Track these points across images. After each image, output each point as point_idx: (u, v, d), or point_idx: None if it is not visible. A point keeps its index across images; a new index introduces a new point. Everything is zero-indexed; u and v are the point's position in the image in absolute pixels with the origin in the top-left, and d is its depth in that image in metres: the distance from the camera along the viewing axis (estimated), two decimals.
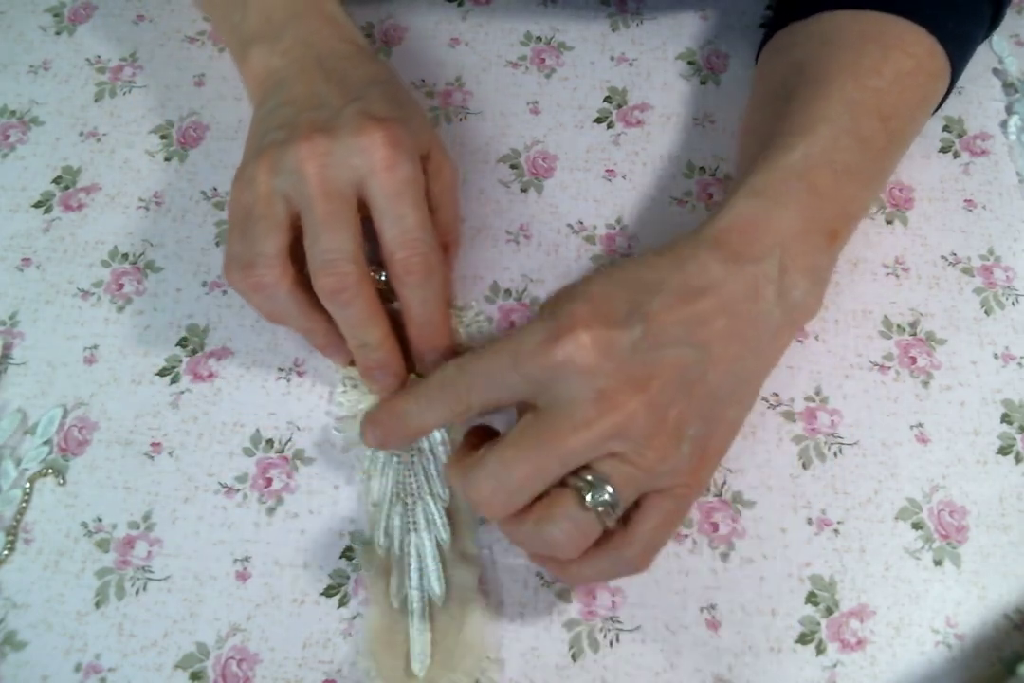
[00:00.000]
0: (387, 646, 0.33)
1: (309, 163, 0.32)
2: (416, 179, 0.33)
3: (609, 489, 0.29)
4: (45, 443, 0.37)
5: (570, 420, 0.29)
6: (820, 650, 0.34)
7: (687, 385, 0.30)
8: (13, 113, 0.46)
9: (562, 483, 0.29)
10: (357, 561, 0.35)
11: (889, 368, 0.39)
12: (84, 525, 0.36)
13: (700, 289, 0.31)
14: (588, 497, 0.29)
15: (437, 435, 0.37)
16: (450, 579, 0.34)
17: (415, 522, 0.35)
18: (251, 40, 0.38)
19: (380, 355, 0.35)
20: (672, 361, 0.30)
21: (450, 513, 0.35)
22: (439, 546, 0.35)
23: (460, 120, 0.46)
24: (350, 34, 0.39)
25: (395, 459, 0.36)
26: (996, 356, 0.39)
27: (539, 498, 0.30)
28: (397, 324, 0.35)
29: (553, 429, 0.29)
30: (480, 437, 0.33)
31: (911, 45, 0.37)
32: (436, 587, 0.34)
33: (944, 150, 0.45)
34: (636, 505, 0.31)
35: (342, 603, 0.34)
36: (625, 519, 0.31)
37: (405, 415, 0.32)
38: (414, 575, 0.34)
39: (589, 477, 0.29)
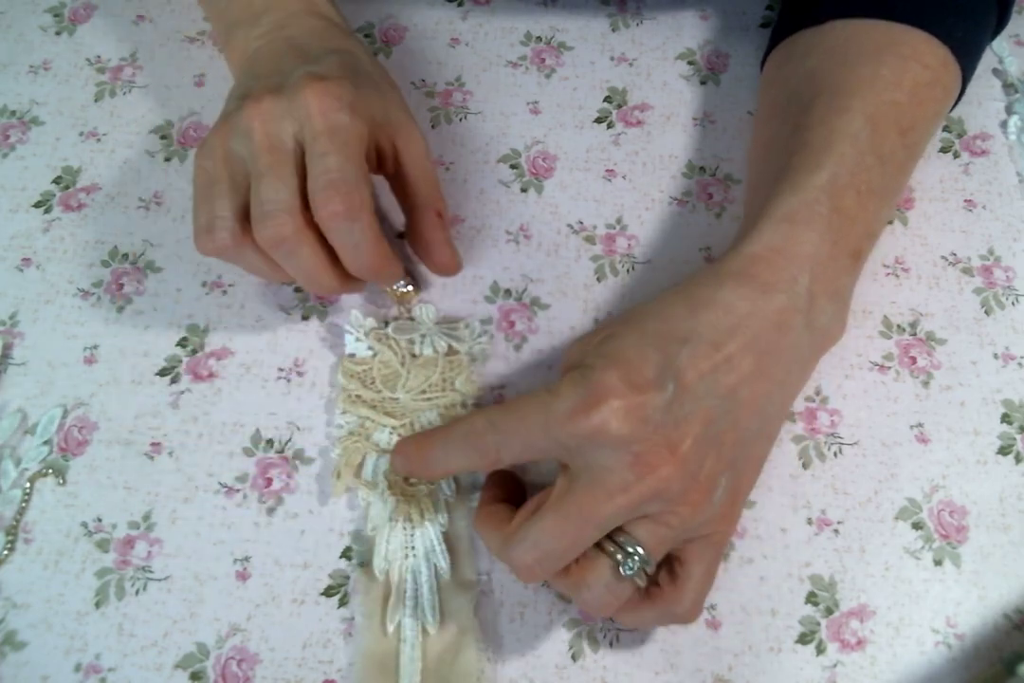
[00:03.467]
0: (378, 674, 0.33)
1: (255, 121, 0.33)
2: (347, 128, 0.32)
3: (642, 552, 0.29)
4: (45, 443, 0.37)
5: (605, 487, 0.29)
6: (820, 650, 0.34)
7: (718, 436, 0.30)
8: (13, 113, 0.46)
9: (596, 545, 0.30)
10: (353, 586, 0.35)
11: (889, 368, 0.39)
12: (84, 525, 0.36)
13: (728, 331, 0.31)
14: (622, 568, 0.29)
15: None
16: (446, 607, 0.34)
17: (413, 547, 0.35)
18: (233, 25, 0.39)
19: (336, 295, 0.39)
20: (703, 416, 0.30)
21: (449, 540, 0.35)
22: (437, 573, 0.34)
23: (460, 120, 0.46)
24: (325, 11, 0.39)
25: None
26: (996, 356, 0.39)
27: (576, 560, 0.30)
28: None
29: (591, 496, 0.29)
30: (500, 486, 0.35)
31: (926, 56, 0.37)
32: (430, 616, 0.33)
33: (944, 150, 0.45)
34: (677, 557, 0.31)
35: (342, 603, 0.34)
36: (668, 567, 0.31)
37: (431, 459, 0.32)
38: (409, 602, 0.34)
39: (622, 540, 0.30)
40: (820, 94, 0.36)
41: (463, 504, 0.36)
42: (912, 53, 0.37)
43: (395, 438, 0.37)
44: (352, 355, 0.38)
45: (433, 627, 0.33)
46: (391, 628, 0.33)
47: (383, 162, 0.37)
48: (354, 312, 0.39)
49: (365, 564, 0.35)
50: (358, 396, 0.38)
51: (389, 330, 0.39)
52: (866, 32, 0.38)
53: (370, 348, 0.39)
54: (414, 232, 0.38)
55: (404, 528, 0.35)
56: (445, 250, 0.38)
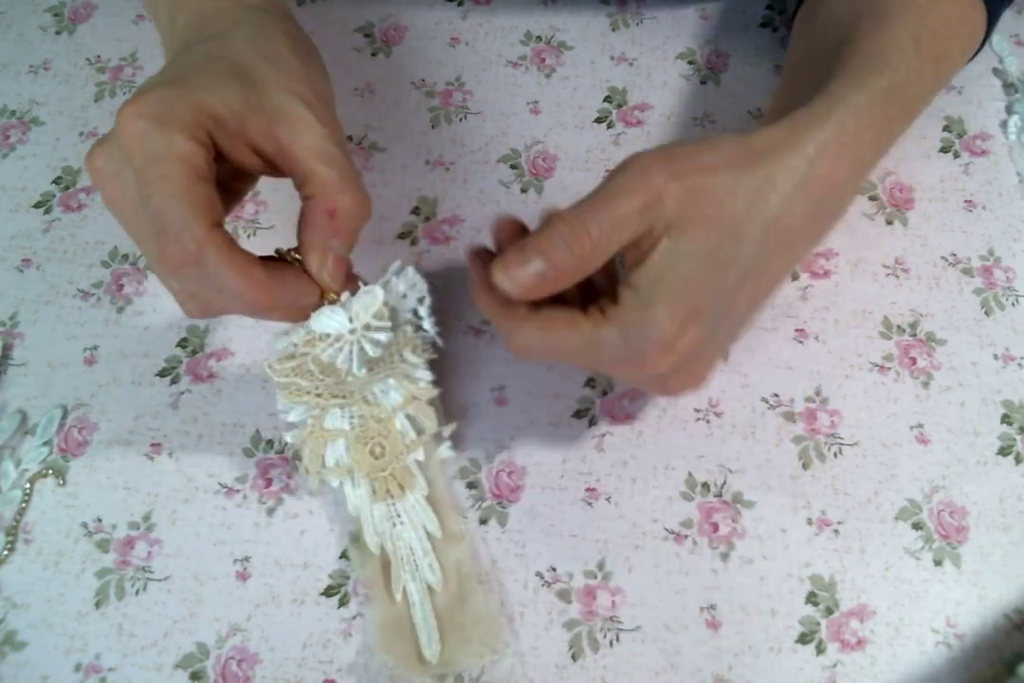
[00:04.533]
0: (397, 637, 0.34)
1: (91, 175, 0.30)
2: (163, 154, 0.28)
3: None
4: (45, 444, 0.37)
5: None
6: (820, 650, 0.34)
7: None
8: (13, 113, 0.46)
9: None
10: (351, 562, 0.35)
11: (889, 369, 0.39)
12: (84, 525, 0.36)
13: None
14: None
15: (408, 431, 0.36)
16: (443, 562, 0.35)
17: (399, 516, 0.35)
18: (166, 28, 0.36)
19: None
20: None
21: (430, 500, 0.36)
22: (428, 536, 0.35)
23: (460, 120, 0.46)
24: None
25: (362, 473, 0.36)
26: (996, 357, 0.39)
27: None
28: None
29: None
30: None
31: None
32: (431, 576, 0.34)
33: (944, 150, 0.45)
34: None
35: (342, 603, 0.34)
36: None
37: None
38: (407, 568, 0.35)
39: None
40: (862, 15, 0.36)
41: (435, 464, 0.36)
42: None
43: (348, 417, 0.36)
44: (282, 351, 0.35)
45: (438, 585, 0.34)
46: (398, 596, 0.34)
47: (268, 158, 0.31)
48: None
49: (357, 540, 0.35)
50: (299, 388, 0.35)
51: (306, 330, 0.34)
52: None
53: (297, 347, 0.35)
54: (298, 233, 0.31)
55: (386, 502, 0.35)
56: (315, 258, 0.31)
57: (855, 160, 0.32)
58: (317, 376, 0.35)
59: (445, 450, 0.37)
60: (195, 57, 0.31)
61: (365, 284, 0.33)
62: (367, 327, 0.33)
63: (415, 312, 0.35)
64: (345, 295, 0.32)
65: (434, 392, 0.36)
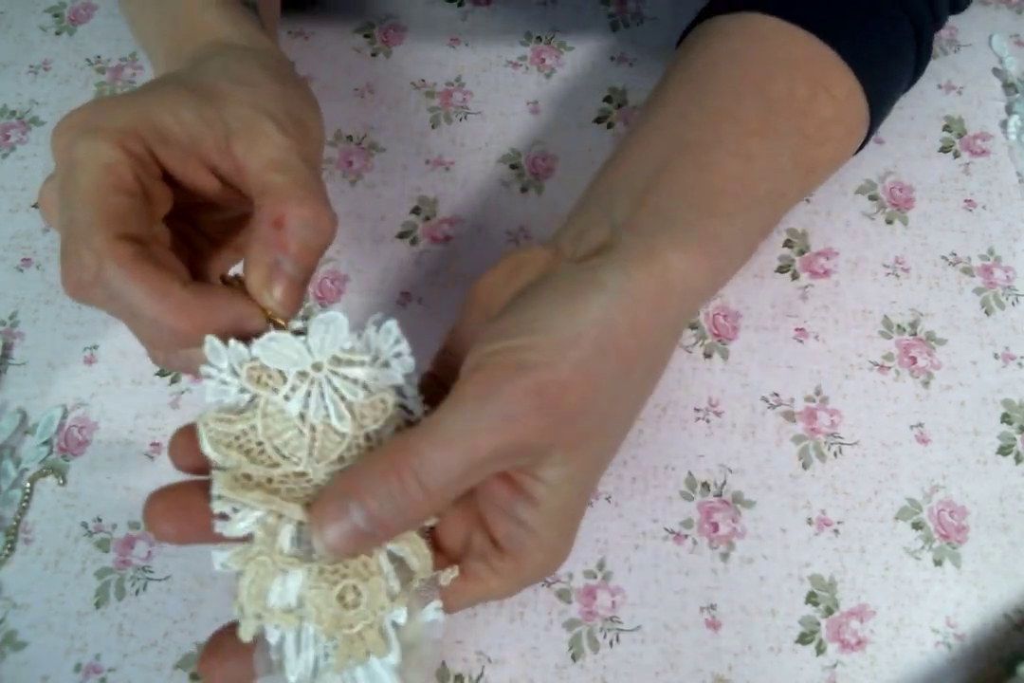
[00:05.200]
0: None
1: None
2: (83, 161, 0.24)
3: None
4: (45, 443, 0.37)
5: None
6: (820, 650, 0.34)
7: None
8: (13, 113, 0.46)
9: None
10: None
11: (889, 368, 0.39)
12: (84, 525, 0.36)
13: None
14: None
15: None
16: None
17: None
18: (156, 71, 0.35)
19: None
20: None
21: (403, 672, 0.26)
22: None
23: (460, 120, 0.46)
24: (219, 38, 0.31)
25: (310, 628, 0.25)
26: (996, 356, 0.39)
27: None
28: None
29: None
30: None
31: (835, 85, 0.34)
32: None
33: (944, 150, 0.45)
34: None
35: None
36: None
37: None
38: None
39: None
40: (716, 88, 0.33)
41: (417, 627, 0.26)
42: (819, 76, 0.34)
43: (306, 541, 0.25)
44: (219, 405, 0.25)
45: None
46: None
47: (226, 179, 0.27)
48: (228, 343, 0.25)
49: None
50: (246, 477, 0.25)
51: (259, 355, 0.25)
52: (787, 35, 0.34)
53: (244, 391, 0.25)
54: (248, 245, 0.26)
55: (343, 675, 0.25)
56: (256, 276, 0.25)
57: (674, 322, 0.29)
58: (270, 455, 0.25)
59: (432, 611, 0.26)
60: (159, 80, 0.28)
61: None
62: (336, 361, 0.25)
63: (399, 390, 0.26)
64: (298, 324, 0.26)
65: (433, 520, 0.27)
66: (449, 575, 0.27)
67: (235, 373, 0.25)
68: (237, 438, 0.25)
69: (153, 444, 0.38)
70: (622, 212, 0.30)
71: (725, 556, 0.35)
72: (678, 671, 0.33)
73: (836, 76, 0.34)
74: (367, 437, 0.26)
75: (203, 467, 0.25)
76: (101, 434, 0.38)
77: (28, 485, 0.37)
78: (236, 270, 0.28)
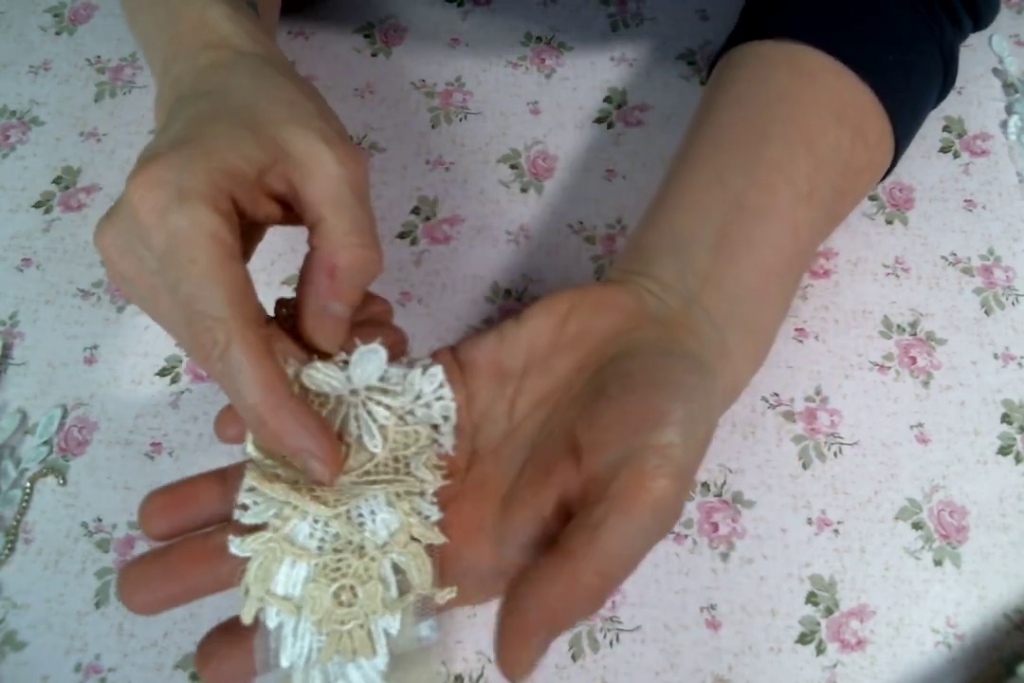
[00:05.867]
0: None
1: (105, 255, 0.28)
2: (186, 230, 0.24)
3: None
4: (45, 443, 0.37)
5: None
6: (820, 650, 0.34)
7: None
8: (13, 113, 0.46)
9: None
10: None
11: (889, 368, 0.39)
12: (84, 525, 0.36)
13: None
14: None
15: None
16: None
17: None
18: (159, 79, 0.33)
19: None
20: None
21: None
22: None
23: (460, 120, 0.46)
24: (219, 33, 0.31)
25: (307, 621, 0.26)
26: (996, 356, 0.39)
27: None
28: None
29: None
30: None
31: (870, 131, 0.35)
32: None
33: (944, 150, 0.45)
34: None
35: None
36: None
37: None
38: None
39: None
40: (772, 138, 0.34)
41: (409, 640, 0.26)
42: (860, 123, 0.35)
43: (320, 536, 0.26)
44: None
45: None
46: None
47: (285, 201, 0.28)
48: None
49: None
50: (275, 476, 0.27)
51: (304, 376, 0.27)
52: (832, 74, 0.35)
53: None
54: (297, 286, 0.28)
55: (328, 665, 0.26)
56: (310, 322, 0.27)
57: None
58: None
59: (426, 628, 0.27)
60: (197, 113, 0.28)
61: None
62: (370, 389, 0.28)
63: (435, 427, 0.28)
64: (341, 355, 0.28)
65: (440, 538, 0.27)
66: (446, 594, 0.27)
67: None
68: None
69: (153, 444, 0.38)
70: (693, 281, 0.31)
71: (725, 556, 0.35)
72: (678, 671, 0.33)
73: (872, 121, 0.35)
74: (395, 459, 0.28)
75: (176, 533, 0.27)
76: (101, 434, 0.38)
77: (28, 485, 0.37)
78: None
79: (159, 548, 0.27)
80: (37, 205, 0.43)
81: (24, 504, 0.36)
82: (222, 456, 0.37)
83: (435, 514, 0.27)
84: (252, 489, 0.26)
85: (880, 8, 0.36)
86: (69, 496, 0.37)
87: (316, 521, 0.26)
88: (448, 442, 0.28)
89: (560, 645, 0.34)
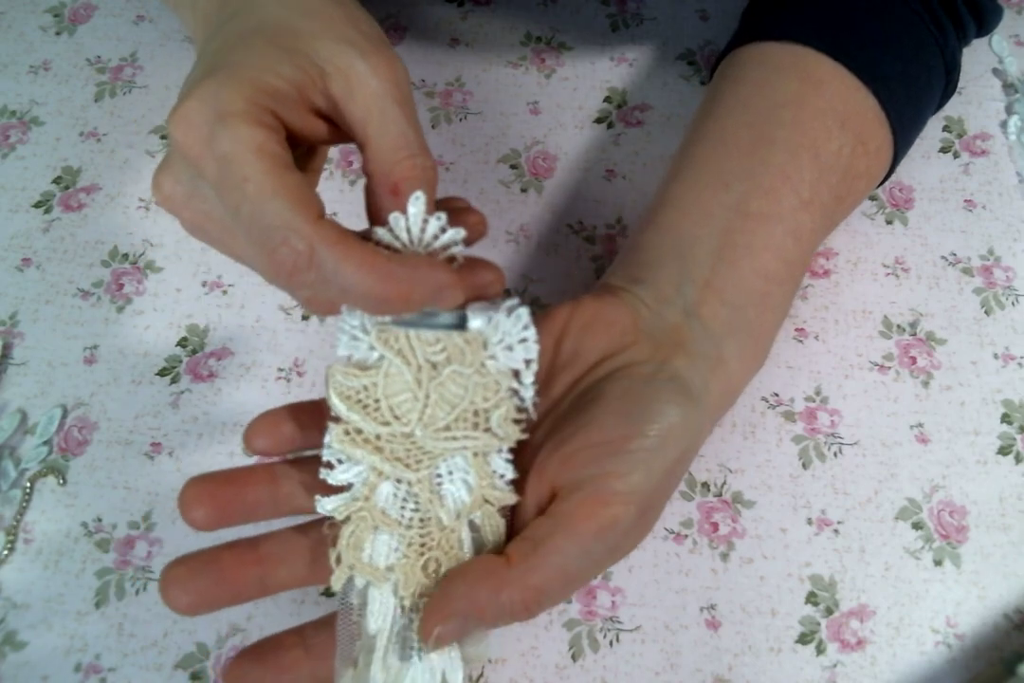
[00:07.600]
0: None
1: (160, 203, 0.29)
2: (237, 155, 0.24)
3: None
4: (45, 443, 0.37)
5: None
6: (820, 650, 0.34)
7: None
8: (13, 113, 0.46)
9: None
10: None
11: (889, 368, 0.39)
12: (84, 525, 0.36)
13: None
14: None
15: None
16: None
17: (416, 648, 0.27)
18: (192, 25, 0.32)
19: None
20: None
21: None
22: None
23: (460, 120, 0.46)
24: None
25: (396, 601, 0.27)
26: (996, 356, 0.39)
27: None
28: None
29: None
30: None
31: (872, 138, 0.35)
32: None
33: (944, 150, 0.45)
34: None
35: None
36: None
37: None
38: None
39: None
40: (778, 143, 0.34)
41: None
42: (862, 130, 0.35)
43: (404, 504, 0.27)
44: (348, 358, 0.27)
45: None
46: None
47: (331, 118, 0.27)
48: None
49: (357, 668, 0.27)
50: (357, 431, 0.27)
51: (395, 326, 0.27)
52: (839, 81, 0.35)
53: (372, 349, 0.27)
54: (368, 215, 0.27)
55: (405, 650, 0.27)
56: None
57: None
58: (383, 414, 0.27)
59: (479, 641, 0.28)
60: (227, 38, 0.27)
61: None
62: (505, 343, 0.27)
63: (516, 374, 0.27)
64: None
65: (513, 498, 0.28)
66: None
67: (365, 331, 0.27)
68: (358, 392, 0.27)
69: (153, 444, 0.38)
70: (691, 290, 0.32)
71: (725, 556, 0.35)
72: (678, 671, 0.33)
73: (873, 129, 0.36)
74: (475, 413, 0.27)
75: (275, 451, 0.28)
76: (101, 434, 0.38)
77: (28, 485, 0.37)
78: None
79: (207, 551, 0.27)
80: (37, 205, 0.43)
81: (24, 504, 0.36)
82: (222, 456, 0.37)
83: (510, 473, 0.27)
84: (332, 447, 0.26)
85: (884, 13, 0.37)
86: (69, 496, 0.37)
87: (399, 481, 0.27)
88: (528, 394, 0.27)
89: (560, 645, 0.34)
